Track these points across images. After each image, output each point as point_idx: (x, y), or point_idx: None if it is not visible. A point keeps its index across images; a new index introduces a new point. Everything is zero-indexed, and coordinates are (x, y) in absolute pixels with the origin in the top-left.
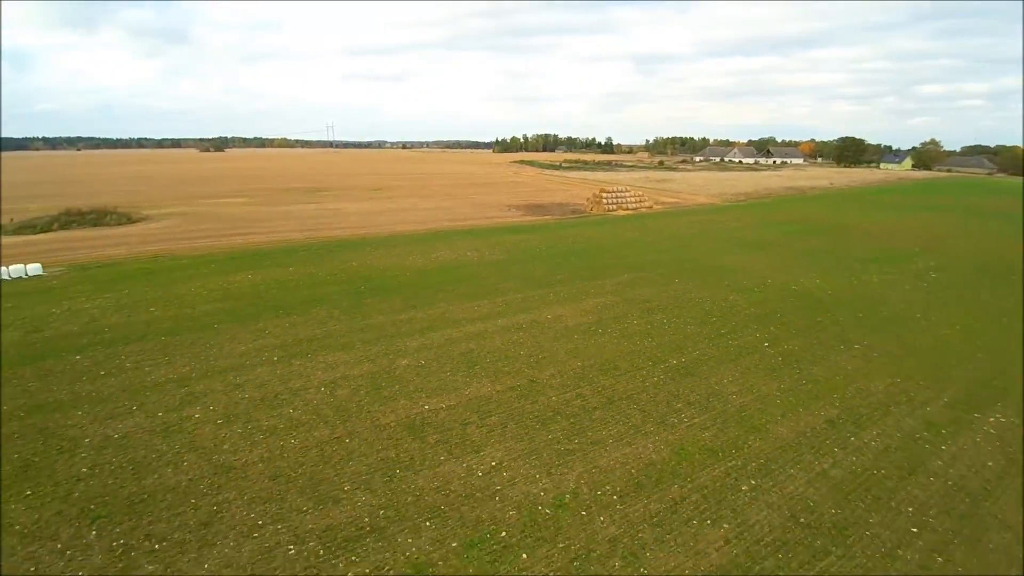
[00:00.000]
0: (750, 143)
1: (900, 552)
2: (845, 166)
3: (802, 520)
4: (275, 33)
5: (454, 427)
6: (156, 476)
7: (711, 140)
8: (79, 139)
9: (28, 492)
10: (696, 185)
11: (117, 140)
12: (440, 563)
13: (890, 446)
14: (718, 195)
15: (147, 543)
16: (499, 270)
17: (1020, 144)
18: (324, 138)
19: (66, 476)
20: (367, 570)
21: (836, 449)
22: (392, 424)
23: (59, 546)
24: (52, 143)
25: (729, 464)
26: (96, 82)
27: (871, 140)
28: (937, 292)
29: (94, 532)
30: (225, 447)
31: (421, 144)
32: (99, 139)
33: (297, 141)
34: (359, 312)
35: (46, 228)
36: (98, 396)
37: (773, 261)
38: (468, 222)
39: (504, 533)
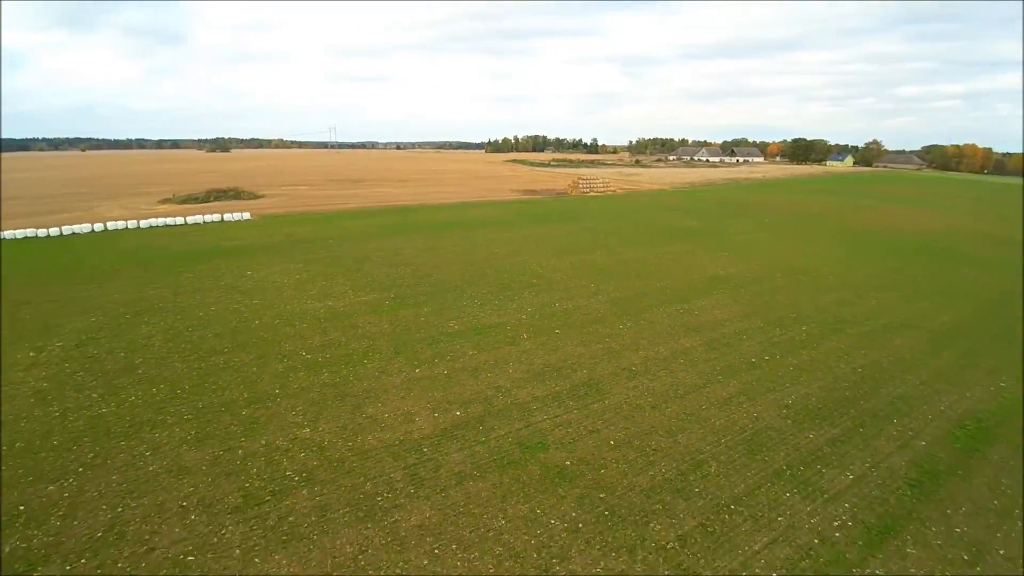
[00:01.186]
0: (724, 144)
1: None
2: (796, 163)
3: None
4: (264, 33)
5: (524, 249)
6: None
7: (689, 141)
8: (78, 140)
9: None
10: (655, 177)
11: (116, 141)
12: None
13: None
14: (668, 184)
15: None
16: (516, 218)
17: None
18: (321, 139)
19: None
20: None
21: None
22: (513, 263)
23: None
24: (54, 144)
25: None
26: (80, 82)
27: (845, 141)
28: (764, 228)
29: None
30: (430, 260)
31: (412, 145)
32: (98, 140)
33: (293, 142)
34: (466, 232)
35: (206, 199)
36: (326, 259)
37: (674, 216)
38: (486, 199)
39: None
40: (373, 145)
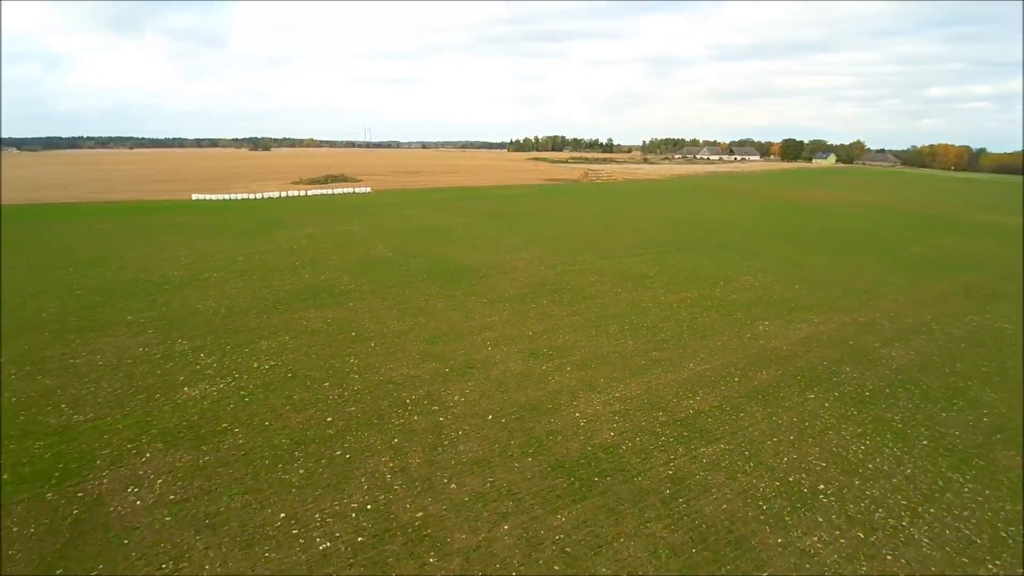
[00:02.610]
0: (731, 144)
1: None
2: (787, 161)
3: None
4: (297, 36)
5: (553, 204)
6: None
7: (700, 141)
8: (119, 139)
9: None
10: (653, 171)
11: (152, 140)
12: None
13: None
14: (660, 175)
15: None
16: (544, 197)
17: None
18: (347, 138)
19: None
20: None
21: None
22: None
23: None
24: (102, 142)
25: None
26: (121, 83)
27: (872, 142)
28: (700, 199)
29: None
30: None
31: (436, 144)
32: (139, 138)
33: (324, 141)
34: (518, 199)
35: (325, 181)
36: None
37: (646, 194)
38: (521, 183)
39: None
40: (397, 145)
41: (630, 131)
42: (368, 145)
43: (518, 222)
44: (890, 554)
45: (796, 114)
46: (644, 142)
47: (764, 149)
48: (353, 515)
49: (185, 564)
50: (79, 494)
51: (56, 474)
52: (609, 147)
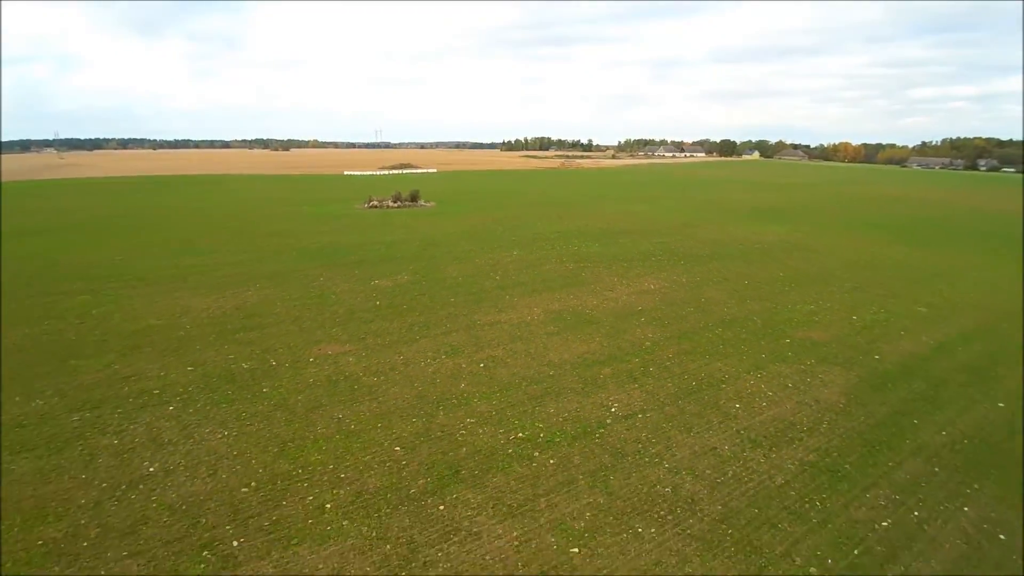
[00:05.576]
0: (693, 143)
1: None
2: (723, 156)
3: None
4: (303, 38)
5: (541, 178)
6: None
7: (668, 141)
8: (133, 140)
9: None
10: (611, 164)
11: (164, 141)
12: None
13: None
14: (612, 167)
15: None
16: (530, 176)
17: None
18: (346, 139)
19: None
20: None
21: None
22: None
23: None
24: (123, 143)
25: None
26: (124, 84)
27: (866, 140)
28: (629, 184)
29: None
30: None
31: (431, 145)
32: (153, 140)
33: (327, 142)
34: (530, 176)
35: (397, 167)
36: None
37: (596, 176)
38: (520, 169)
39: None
40: (387, 145)
41: (624, 131)
42: (375, 146)
43: (547, 185)
44: None
45: (787, 115)
46: (619, 142)
47: (720, 148)
48: None
49: None
50: None
51: None
52: (589, 147)
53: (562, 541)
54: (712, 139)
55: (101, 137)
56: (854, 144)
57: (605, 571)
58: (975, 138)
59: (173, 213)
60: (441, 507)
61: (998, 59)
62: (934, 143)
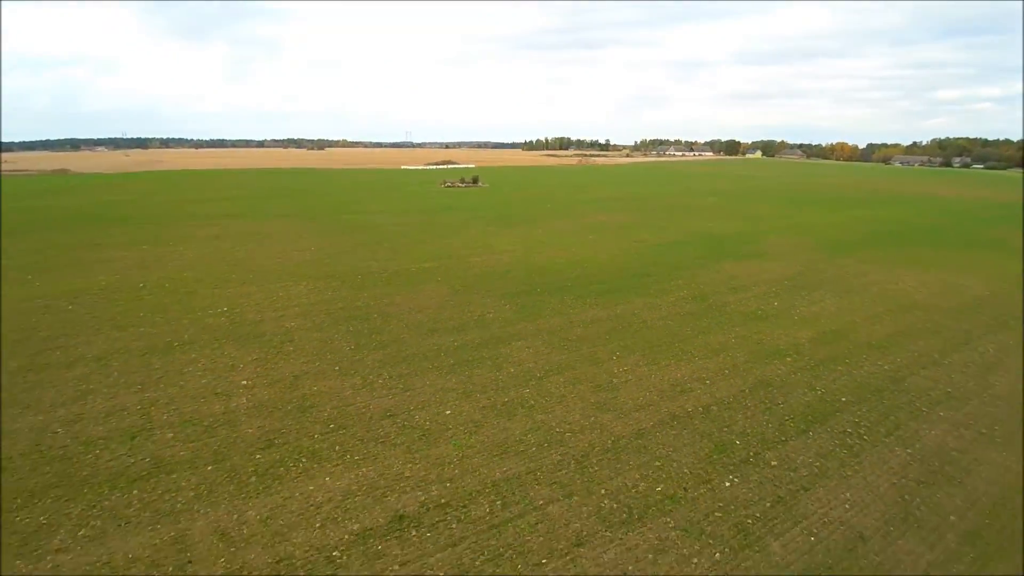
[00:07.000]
0: (704, 144)
1: None
2: (728, 155)
3: None
4: (336, 41)
5: (562, 171)
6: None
7: (682, 141)
8: (171, 140)
9: None
10: (624, 163)
11: (201, 141)
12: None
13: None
14: (623, 164)
15: None
16: (550, 171)
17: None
18: (370, 139)
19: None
20: None
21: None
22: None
23: None
24: (165, 142)
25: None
26: (158, 86)
27: (886, 140)
28: (624, 180)
29: None
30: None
31: (456, 145)
32: (183, 139)
33: (356, 142)
34: (552, 171)
35: (442, 163)
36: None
37: (601, 174)
38: (541, 165)
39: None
40: (411, 145)
41: (642, 132)
42: (401, 145)
43: (565, 177)
44: None
45: (808, 115)
46: (635, 142)
47: (725, 148)
48: None
49: None
50: None
51: None
52: (606, 146)
53: None
54: (723, 139)
55: (143, 137)
56: (855, 145)
57: None
58: (958, 138)
59: (361, 187)
60: None
61: (1016, 61)
62: (922, 143)
